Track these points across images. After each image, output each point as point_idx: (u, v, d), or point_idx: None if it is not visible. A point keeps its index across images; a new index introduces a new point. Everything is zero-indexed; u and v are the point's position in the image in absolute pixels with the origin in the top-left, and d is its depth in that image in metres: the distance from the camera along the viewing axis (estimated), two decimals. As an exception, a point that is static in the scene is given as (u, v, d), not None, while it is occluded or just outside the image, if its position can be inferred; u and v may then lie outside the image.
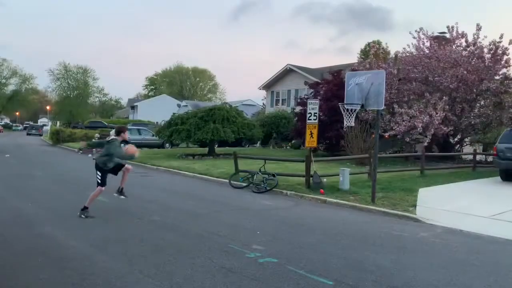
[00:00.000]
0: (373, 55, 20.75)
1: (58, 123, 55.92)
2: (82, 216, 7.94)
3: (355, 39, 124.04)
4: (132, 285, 4.62)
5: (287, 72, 37.48)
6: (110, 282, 4.69)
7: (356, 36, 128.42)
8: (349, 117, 10.40)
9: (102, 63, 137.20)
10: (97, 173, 8.39)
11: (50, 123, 60.46)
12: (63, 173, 15.63)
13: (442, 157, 19.57)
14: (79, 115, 54.09)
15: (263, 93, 42.22)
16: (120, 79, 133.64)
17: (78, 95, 55.64)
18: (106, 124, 46.83)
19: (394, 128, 17.85)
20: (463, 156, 21.19)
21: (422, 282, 4.95)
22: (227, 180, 13.33)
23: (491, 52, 18.09)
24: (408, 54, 20.14)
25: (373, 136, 13.56)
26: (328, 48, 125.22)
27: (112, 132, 9.56)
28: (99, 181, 8.32)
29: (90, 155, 24.62)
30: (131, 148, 8.69)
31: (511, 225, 8.10)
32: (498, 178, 14.47)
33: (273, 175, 12.34)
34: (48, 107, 63.75)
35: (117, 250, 5.91)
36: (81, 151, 26.52)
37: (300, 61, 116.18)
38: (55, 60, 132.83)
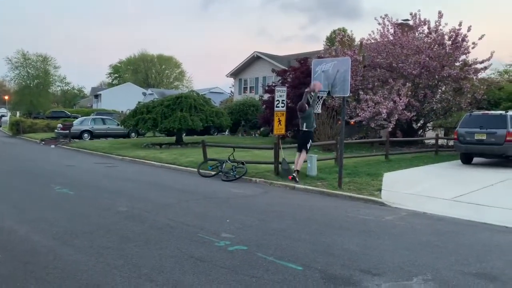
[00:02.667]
0: (339, 42, 20.92)
1: (18, 113, 53.83)
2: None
3: (324, 27, 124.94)
4: (98, 277, 4.53)
5: (255, 59, 37.36)
6: (76, 275, 4.57)
7: (326, 25, 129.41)
8: (316, 104, 10.49)
9: (63, 51, 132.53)
10: None
11: (9, 114, 58.10)
12: (25, 164, 15.09)
13: (406, 142, 20.11)
14: (40, 105, 52.21)
15: (231, 81, 41.99)
16: (82, 67, 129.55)
17: (39, 84, 53.67)
18: (69, 113, 45.46)
19: (359, 114, 18.15)
20: (426, 141, 21.83)
21: (388, 264, 5.09)
22: (195, 169, 13.23)
23: (452, 39, 18.60)
24: (373, 41, 20.44)
25: (339, 122, 13.74)
26: (298, 36, 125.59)
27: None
28: None
29: (52, 146, 23.88)
30: None
31: (471, 207, 8.43)
32: (459, 161, 15.01)
33: (242, 163, 12.34)
34: (6, 97, 61.15)
35: (82, 242, 5.77)
36: (43, 142, 25.67)
37: (270, 49, 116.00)
38: (13, 48, 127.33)
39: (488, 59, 18.75)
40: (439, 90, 19.92)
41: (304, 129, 10.16)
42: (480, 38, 18.28)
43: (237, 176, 11.86)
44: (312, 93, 10.34)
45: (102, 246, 5.61)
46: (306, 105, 10.60)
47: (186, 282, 4.43)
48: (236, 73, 39.56)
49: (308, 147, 10.85)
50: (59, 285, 4.30)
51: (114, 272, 4.67)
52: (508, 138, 13.21)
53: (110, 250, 5.45)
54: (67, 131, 26.16)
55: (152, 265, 4.90)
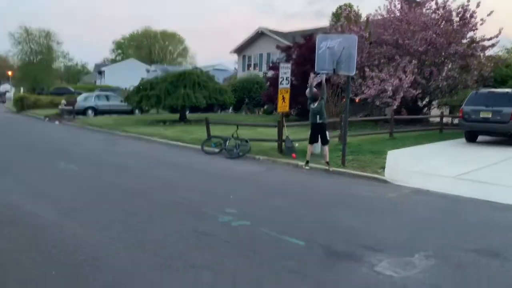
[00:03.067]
0: (345, 18, 20.59)
1: (22, 89, 53.79)
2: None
3: (331, 2, 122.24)
4: (103, 251, 4.59)
5: (259, 35, 36.89)
6: (81, 249, 4.63)
7: (333, 0, 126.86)
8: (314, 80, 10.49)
9: (66, 27, 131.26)
10: None
11: (13, 90, 58.07)
12: (30, 140, 15.16)
13: (411, 120, 19.99)
14: (44, 81, 52.10)
15: (235, 57, 41.57)
16: (85, 43, 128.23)
17: (42, 60, 53.45)
18: (72, 90, 45.32)
19: (364, 91, 18.00)
20: (431, 119, 21.70)
21: (390, 240, 5.13)
22: (199, 146, 13.25)
23: (459, 15, 18.25)
24: (379, 17, 20.10)
25: (344, 100, 13.65)
26: (304, 12, 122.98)
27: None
28: None
29: (56, 122, 23.93)
30: None
31: (474, 185, 8.43)
32: (463, 139, 14.94)
33: (246, 141, 12.33)
34: (9, 73, 61.01)
35: (87, 217, 5.84)
36: (47, 119, 25.72)
37: (275, 25, 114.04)
38: (15, 23, 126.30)
39: (496, 36, 18.41)
40: (445, 68, 19.66)
41: (319, 121, 10.05)
42: (488, 15, 17.91)
43: (240, 153, 11.87)
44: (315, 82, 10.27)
45: (107, 221, 5.68)
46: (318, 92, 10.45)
47: (190, 255, 4.49)
48: (240, 50, 39.15)
49: (328, 139, 10.65)
50: (64, 258, 4.37)
51: (118, 246, 4.74)
52: (514, 116, 13.09)
53: (115, 224, 5.51)
54: (71, 108, 26.13)
55: (157, 240, 4.96)
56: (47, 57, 54.15)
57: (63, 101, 28.19)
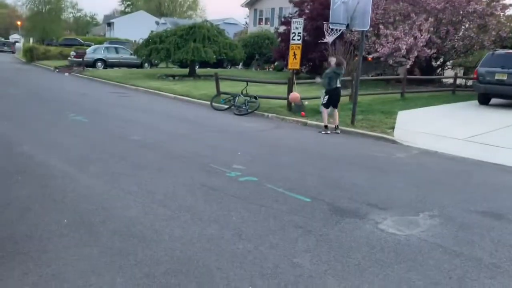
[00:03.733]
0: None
1: (31, 40, 53.37)
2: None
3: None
4: (113, 201, 4.70)
5: (271, -12, 35.80)
6: (92, 198, 4.75)
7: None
8: (329, 36, 10.16)
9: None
10: None
11: (22, 40, 57.65)
12: (40, 92, 15.21)
13: (423, 81, 19.66)
14: (53, 31, 51.50)
15: (246, 11, 40.58)
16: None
17: (51, 10, 52.58)
18: (82, 41, 44.91)
19: (378, 50, 17.59)
20: (444, 80, 21.31)
21: (395, 199, 5.18)
22: (208, 102, 13.22)
23: (481, -29, 17.49)
24: (397, -28, 19.30)
25: (357, 58, 13.38)
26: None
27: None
28: None
29: (66, 74, 23.90)
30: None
31: (483, 147, 8.38)
32: (476, 102, 14.71)
33: (255, 98, 12.26)
34: (19, 23, 60.35)
35: (97, 168, 5.94)
36: (57, 70, 25.67)
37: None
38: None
39: (519, -6, 17.70)
40: (463, 27, 19.02)
41: (338, 85, 9.79)
42: (512, -29, 17.15)
43: (249, 110, 11.84)
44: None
45: (116, 172, 5.78)
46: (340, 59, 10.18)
47: (198, 208, 4.58)
48: (251, 3, 38.11)
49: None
50: (75, 207, 4.49)
51: (128, 197, 4.85)
52: (530, 80, 12.80)
53: (124, 176, 5.61)
54: (81, 59, 25.99)
55: (165, 192, 5.05)
56: (55, 7, 53.23)
57: (73, 53, 28.01)
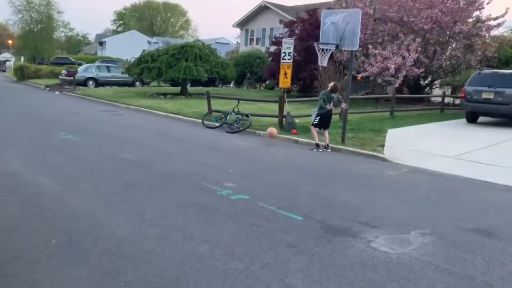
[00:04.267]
0: (350, -7, 20.21)
1: (22, 58, 53.28)
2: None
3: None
4: (103, 221, 4.65)
5: (262, 9, 36.32)
6: (81, 218, 4.69)
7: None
8: (322, 57, 10.28)
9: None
10: None
11: (13, 59, 57.52)
12: (30, 110, 15.13)
13: (412, 99, 19.91)
14: (45, 50, 51.54)
15: (237, 31, 41.04)
16: (86, 13, 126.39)
17: (42, 29, 52.70)
18: (73, 60, 44.91)
19: (367, 69, 17.86)
20: (432, 99, 21.61)
21: (387, 217, 5.18)
22: (200, 120, 13.24)
23: (466, -7, 17.96)
24: (385, -7, 19.74)
25: (346, 77, 13.54)
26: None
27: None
28: None
29: (57, 92, 23.82)
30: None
31: (473, 165, 8.46)
32: (464, 120, 14.90)
33: (247, 115, 12.31)
34: (10, 41, 60.31)
35: (87, 187, 5.88)
36: (48, 88, 25.59)
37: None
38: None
39: (502, 16, 18.14)
40: (450, 47, 19.44)
41: (331, 107, 9.86)
42: (496, -7, 17.63)
43: (241, 128, 11.87)
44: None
45: (106, 191, 5.72)
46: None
47: (189, 227, 4.54)
48: (242, 24, 38.61)
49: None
50: (64, 227, 4.42)
51: (118, 217, 4.79)
52: (516, 98, 13.03)
53: (115, 195, 5.56)
54: (72, 78, 25.97)
55: (156, 211, 5.01)
56: (47, 26, 53.37)
57: (64, 71, 28.00)
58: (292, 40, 12.39)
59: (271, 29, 34.91)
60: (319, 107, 9.82)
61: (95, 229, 4.39)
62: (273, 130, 11.26)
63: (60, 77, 27.76)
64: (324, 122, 9.86)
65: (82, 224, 4.52)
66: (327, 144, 9.74)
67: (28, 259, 3.69)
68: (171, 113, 15.34)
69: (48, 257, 3.74)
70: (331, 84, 10.05)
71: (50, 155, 7.87)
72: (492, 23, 18.43)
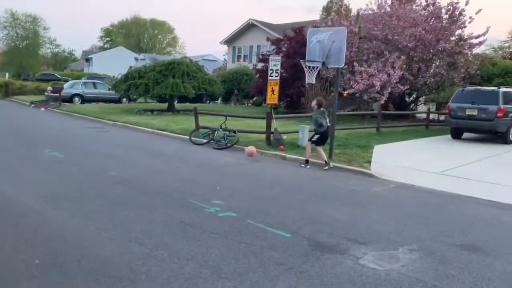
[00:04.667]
0: (336, 12, 20.62)
1: (7, 74, 52.84)
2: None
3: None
4: (88, 240, 4.56)
5: (250, 27, 36.72)
6: (65, 237, 4.60)
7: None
8: (310, 74, 10.39)
9: (53, 12, 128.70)
10: None
11: (-2, 75, 56.97)
12: (15, 127, 14.92)
13: (398, 116, 20.19)
14: (30, 66, 51.31)
15: (225, 48, 41.36)
16: (73, 29, 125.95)
17: (28, 46, 52.55)
18: (59, 77, 44.63)
19: (353, 86, 18.07)
20: (417, 115, 21.92)
21: (374, 233, 5.18)
22: (187, 137, 13.19)
23: (449, 12, 18.41)
24: (370, 12, 20.16)
25: (333, 94, 13.69)
26: (296, 5, 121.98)
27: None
28: None
29: (42, 109, 23.59)
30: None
31: (458, 180, 8.55)
32: (449, 136, 15.13)
33: (234, 132, 12.31)
34: (-6, 58, 59.81)
35: (72, 206, 5.78)
36: (33, 105, 25.33)
37: (267, 17, 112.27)
38: (1, 7, 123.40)
39: (484, 34, 18.61)
40: (433, 64, 19.84)
41: (329, 123, 9.85)
42: (477, 13, 18.08)
43: (228, 144, 11.86)
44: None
45: (92, 210, 5.63)
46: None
47: (175, 246, 4.48)
48: (230, 41, 38.94)
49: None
50: (47, 247, 4.33)
51: (103, 236, 4.71)
52: (498, 114, 13.30)
53: (100, 214, 5.47)
54: (57, 94, 25.75)
55: (142, 229, 4.94)
56: (33, 42, 53.27)
57: (49, 88, 27.79)
58: (279, 58, 12.52)
59: (258, 46, 35.27)
60: (318, 125, 9.65)
61: (80, 249, 4.30)
62: (252, 149, 10.80)
63: (46, 93, 27.54)
64: (324, 139, 9.80)
65: (66, 243, 4.43)
66: (326, 161, 9.62)
67: (9, 280, 3.59)
68: (158, 129, 15.27)
69: (31, 279, 3.64)
70: (314, 101, 9.92)
71: (34, 173, 7.74)
72: (474, 41, 18.89)
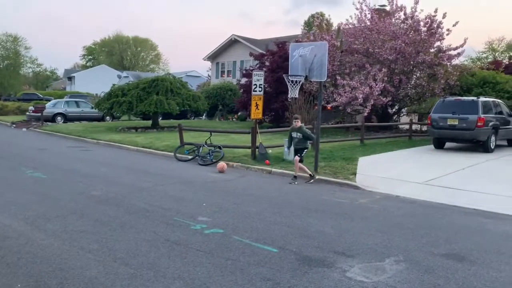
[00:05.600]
0: (317, 27, 20.91)
1: (-14, 95, 52.09)
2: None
3: (307, 11, 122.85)
4: (71, 261, 4.47)
5: (232, 42, 36.99)
6: (48, 259, 4.50)
7: (310, 9, 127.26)
8: (293, 89, 10.49)
9: (35, 32, 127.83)
10: None
11: (-23, 96, 56.06)
12: (-6, 148, 14.66)
13: (381, 127, 20.43)
14: (11, 86, 50.66)
15: (208, 64, 41.54)
16: (55, 48, 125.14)
17: (9, 65, 51.95)
18: (41, 96, 44.17)
19: (336, 99, 18.28)
20: (400, 126, 22.22)
21: (361, 245, 5.20)
22: (172, 153, 13.13)
23: (427, 25, 18.84)
24: (351, 26, 20.52)
25: (316, 107, 13.82)
26: (280, 21, 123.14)
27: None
28: None
29: (24, 129, 23.26)
30: None
31: (442, 190, 8.66)
32: (431, 146, 15.35)
33: (219, 147, 12.30)
34: (-26, 78, 58.92)
35: (55, 226, 5.67)
36: (14, 125, 24.96)
37: (251, 33, 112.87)
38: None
39: (462, 46, 19.11)
40: (414, 76, 20.22)
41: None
42: (454, 25, 18.61)
43: (214, 160, 11.83)
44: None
45: (76, 230, 5.54)
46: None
47: (161, 265, 4.42)
48: (213, 57, 39.13)
49: None
50: (30, 269, 4.23)
51: (88, 256, 4.63)
52: (479, 124, 13.56)
53: (84, 234, 5.38)
54: (39, 114, 25.45)
55: (127, 249, 4.87)
56: (14, 62, 52.64)
57: (31, 107, 27.46)
58: (262, 72, 12.63)
59: (242, 61, 35.50)
60: (312, 137, 10.11)
61: (63, 271, 4.22)
62: (222, 164, 10.96)
63: (27, 113, 27.20)
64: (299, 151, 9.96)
65: (50, 265, 4.34)
66: (310, 174, 9.66)
67: (-10, 306, 3.49)
68: (143, 147, 15.18)
69: (12, 303, 3.55)
70: (298, 121, 9.99)
71: (16, 194, 7.59)
72: (453, 52, 19.34)
